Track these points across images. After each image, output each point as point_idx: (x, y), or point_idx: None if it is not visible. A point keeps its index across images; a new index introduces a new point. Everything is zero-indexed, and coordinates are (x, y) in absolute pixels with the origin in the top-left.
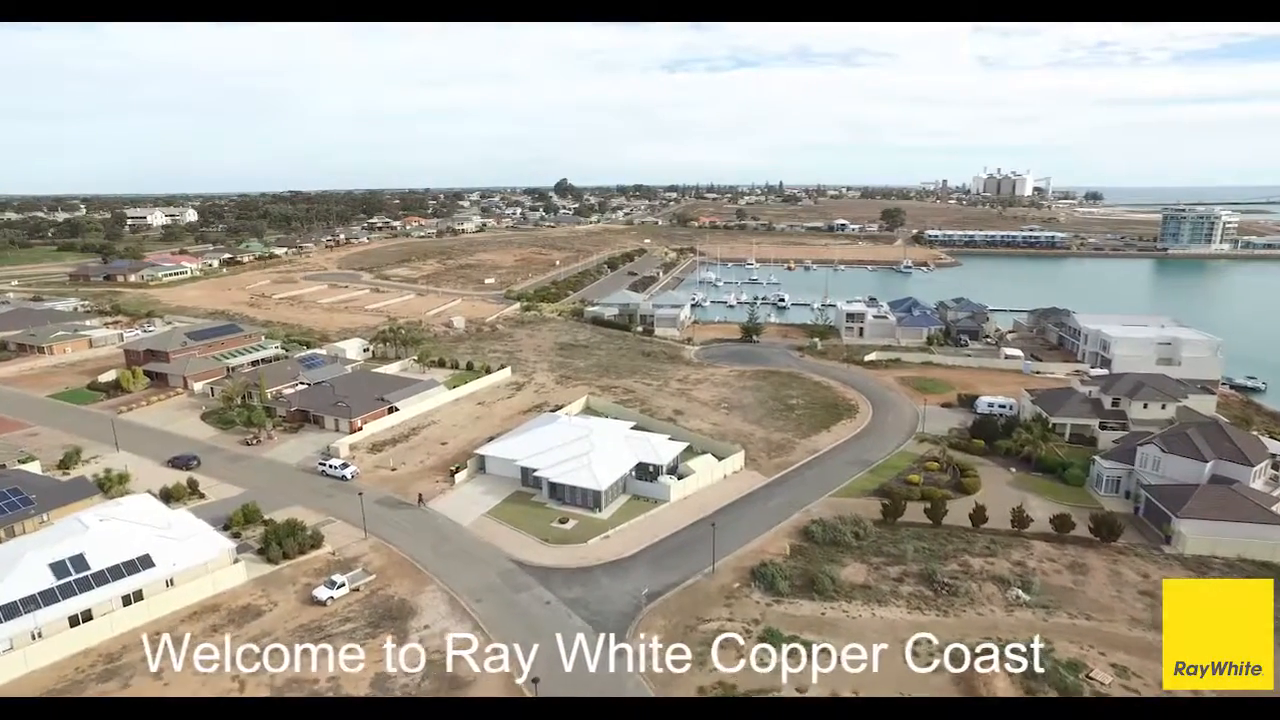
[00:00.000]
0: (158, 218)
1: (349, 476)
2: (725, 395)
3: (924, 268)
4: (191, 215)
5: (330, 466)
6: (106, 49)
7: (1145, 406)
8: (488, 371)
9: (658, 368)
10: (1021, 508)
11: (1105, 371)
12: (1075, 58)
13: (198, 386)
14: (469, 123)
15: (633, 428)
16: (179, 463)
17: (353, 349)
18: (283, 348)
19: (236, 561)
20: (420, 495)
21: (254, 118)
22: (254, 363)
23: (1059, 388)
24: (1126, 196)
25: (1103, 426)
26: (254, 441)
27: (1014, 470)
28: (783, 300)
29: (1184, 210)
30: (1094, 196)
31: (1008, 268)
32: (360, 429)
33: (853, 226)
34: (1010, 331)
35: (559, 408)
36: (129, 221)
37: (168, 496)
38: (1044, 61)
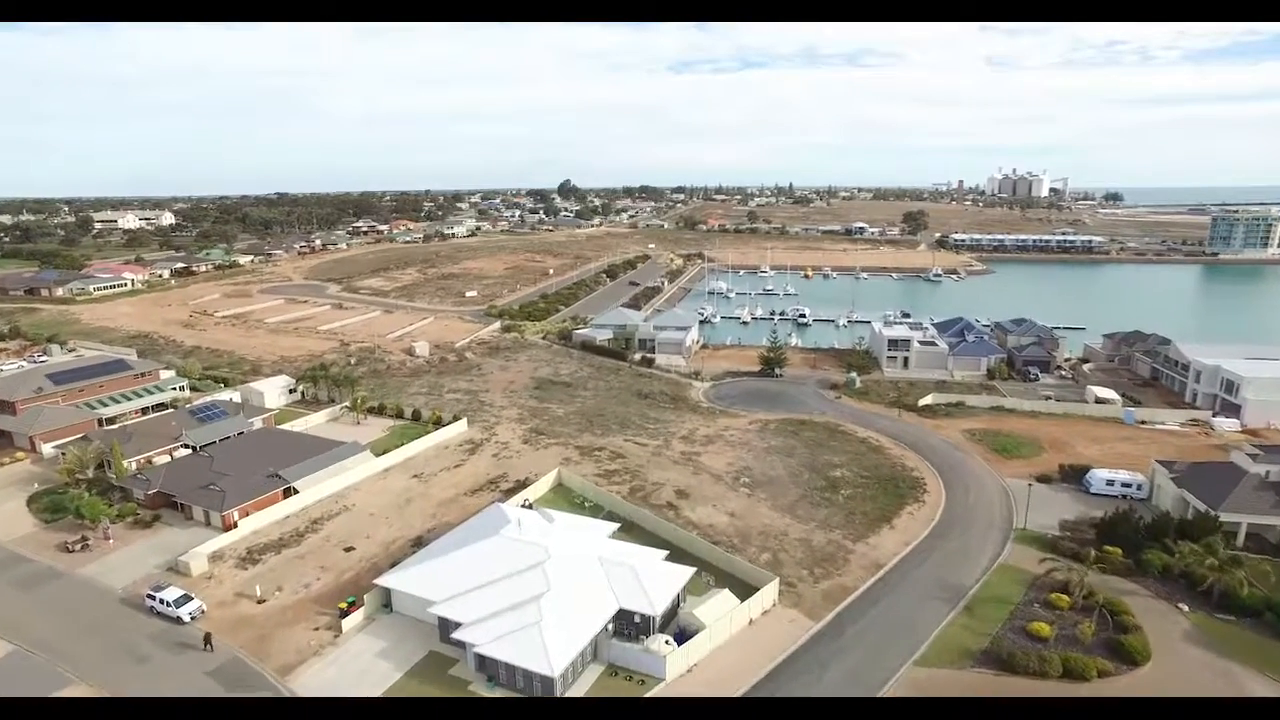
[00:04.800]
0: (130, 221)
1: (187, 618)
2: (746, 463)
3: (954, 275)
4: (169, 218)
5: (161, 601)
6: (114, 52)
7: None
8: (438, 424)
9: (657, 417)
10: None
11: (1237, 423)
12: (1084, 57)
13: (48, 449)
14: (474, 124)
15: (616, 531)
16: None
17: (273, 391)
18: (193, 387)
19: None
20: (207, 636)
21: (263, 120)
22: (144, 410)
23: (1213, 462)
24: (1142, 196)
25: None
26: (78, 547)
27: (1185, 609)
28: (804, 316)
29: (1236, 212)
30: (1114, 197)
31: (1045, 275)
32: (236, 525)
33: (872, 230)
34: (1083, 360)
35: (521, 485)
36: (96, 226)
37: None
38: (1052, 61)
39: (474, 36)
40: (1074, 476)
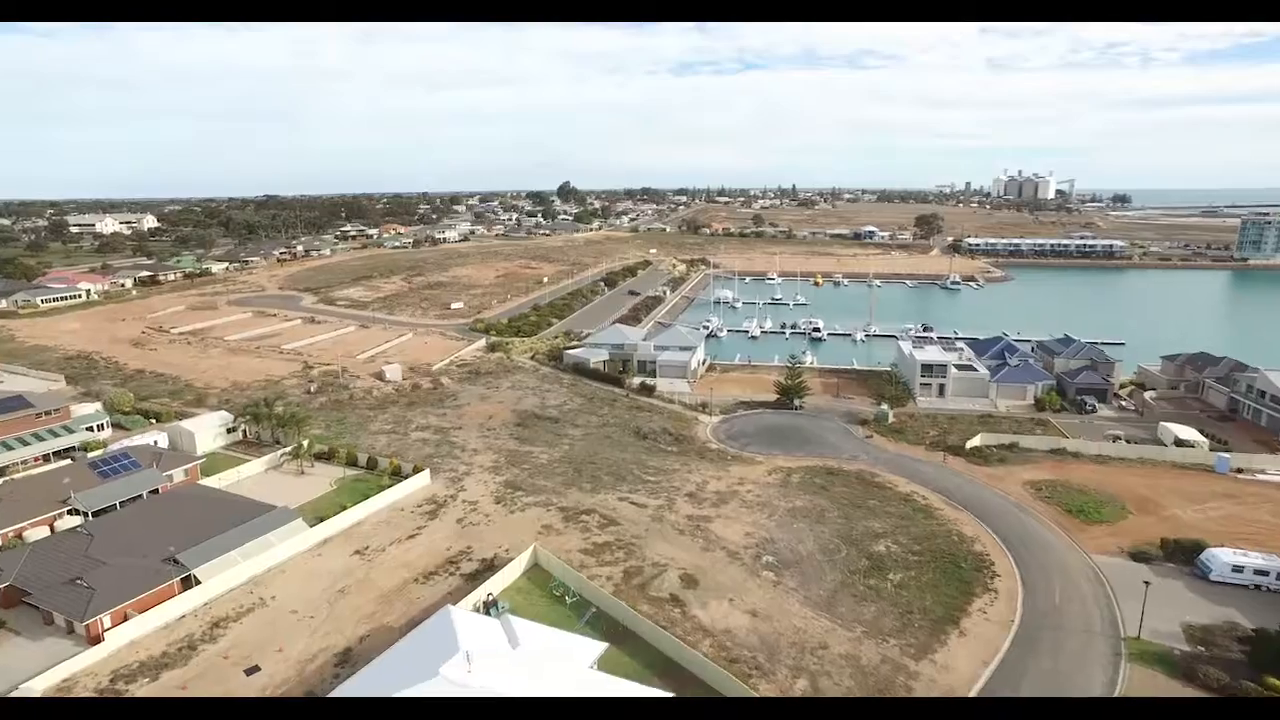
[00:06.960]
0: (108, 225)
1: None
2: (767, 532)
3: (972, 283)
4: (150, 222)
5: None
6: (116, 53)
7: None
8: (396, 474)
9: (658, 465)
10: None
11: None
12: (1084, 59)
13: None
14: (473, 125)
15: (600, 658)
16: None
17: (206, 432)
18: (118, 424)
19: None
20: None
21: (263, 122)
22: (46, 458)
23: None
24: (1146, 198)
25: None
26: None
27: None
28: (818, 330)
29: (1267, 215)
30: (1122, 199)
31: (1067, 282)
32: (103, 636)
33: (882, 234)
34: (1141, 385)
35: (487, 567)
36: (71, 230)
37: None
38: (1053, 63)
39: (474, 36)
40: (1181, 554)
